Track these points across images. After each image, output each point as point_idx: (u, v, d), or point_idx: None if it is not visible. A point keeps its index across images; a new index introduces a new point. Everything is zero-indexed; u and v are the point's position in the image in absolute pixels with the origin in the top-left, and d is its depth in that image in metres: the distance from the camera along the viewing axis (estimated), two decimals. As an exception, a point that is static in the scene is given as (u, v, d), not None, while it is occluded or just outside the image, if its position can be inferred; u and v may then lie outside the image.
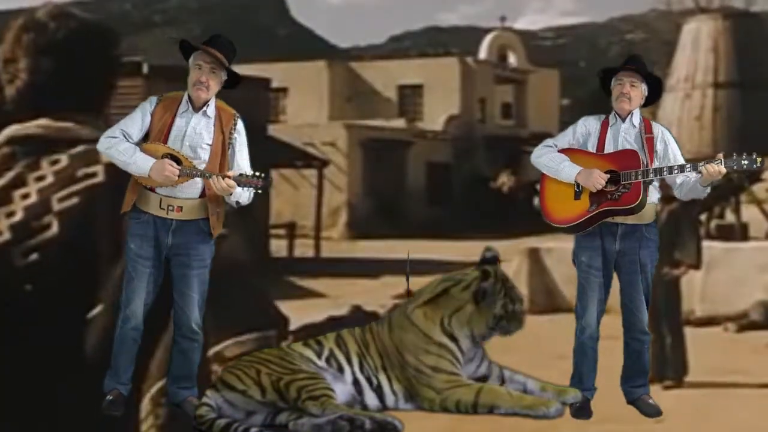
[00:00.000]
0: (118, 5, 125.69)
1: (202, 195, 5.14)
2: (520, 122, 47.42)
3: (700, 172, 5.14)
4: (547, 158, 5.35)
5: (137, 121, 5.09)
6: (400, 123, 40.84)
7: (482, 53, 48.43)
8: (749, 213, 24.59)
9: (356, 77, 44.44)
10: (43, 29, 6.50)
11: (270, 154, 27.64)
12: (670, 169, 5.21)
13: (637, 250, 5.35)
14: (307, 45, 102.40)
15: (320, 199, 29.65)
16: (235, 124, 5.21)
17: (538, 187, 5.52)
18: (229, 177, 4.96)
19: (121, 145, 5.02)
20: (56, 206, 5.84)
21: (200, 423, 4.94)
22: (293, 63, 44.16)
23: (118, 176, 5.24)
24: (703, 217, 20.80)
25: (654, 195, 5.37)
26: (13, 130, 6.23)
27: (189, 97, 5.16)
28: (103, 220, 5.34)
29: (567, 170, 5.27)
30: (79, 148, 5.37)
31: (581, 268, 5.41)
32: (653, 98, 5.50)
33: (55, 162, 6.05)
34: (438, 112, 42.32)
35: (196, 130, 5.13)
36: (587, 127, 5.44)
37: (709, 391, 11.77)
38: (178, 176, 4.99)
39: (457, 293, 5.31)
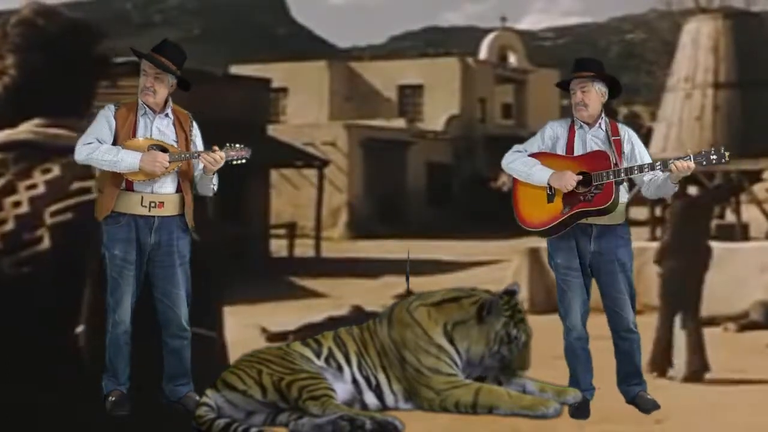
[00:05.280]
0: (118, 5, 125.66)
1: (178, 190, 5.23)
2: (521, 122, 47.42)
3: (669, 170, 5.15)
4: (518, 163, 5.37)
5: (105, 127, 5.17)
6: (400, 123, 40.85)
7: (482, 53, 48.45)
8: (749, 213, 24.61)
9: (356, 77, 44.45)
10: (32, 26, 6.46)
11: (270, 154, 27.65)
12: (641, 168, 5.23)
13: (614, 250, 5.35)
14: (306, 45, 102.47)
15: (320, 199, 29.64)
16: (192, 122, 5.36)
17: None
18: (216, 150, 5.11)
19: (102, 147, 5.09)
20: (49, 220, 5.81)
21: (200, 423, 4.94)
22: (293, 63, 44.20)
23: None
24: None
25: (624, 196, 5.37)
26: (5, 135, 6.19)
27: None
28: (97, 238, 5.34)
29: (539, 174, 5.29)
30: (71, 158, 5.37)
31: (559, 270, 5.42)
32: (614, 93, 5.48)
33: (47, 171, 6.02)
34: (438, 112, 42.34)
35: (161, 130, 5.24)
36: (555, 131, 5.46)
37: (709, 390, 11.79)
38: (169, 162, 5.07)
39: (467, 305, 5.31)
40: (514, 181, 5.44)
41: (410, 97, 43.79)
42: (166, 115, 5.27)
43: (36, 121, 6.20)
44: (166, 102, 5.26)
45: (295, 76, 42.32)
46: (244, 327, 14.74)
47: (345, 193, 36.39)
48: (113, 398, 5.24)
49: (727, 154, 5.04)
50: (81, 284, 5.59)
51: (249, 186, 26.06)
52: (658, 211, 23.20)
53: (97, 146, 5.08)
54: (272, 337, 14.51)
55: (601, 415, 5.41)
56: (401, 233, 31.83)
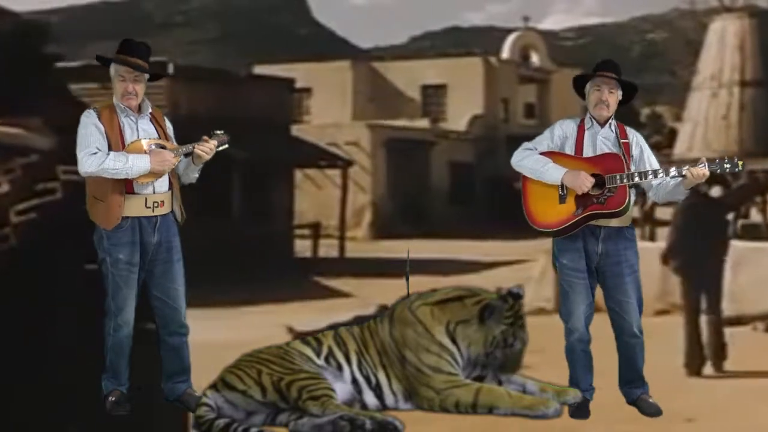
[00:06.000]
0: (142, 6, 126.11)
1: (170, 186, 5.28)
2: (543, 122, 47.23)
3: (684, 176, 5.14)
4: (530, 161, 5.31)
5: (98, 135, 5.15)
6: (423, 123, 40.84)
7: (505, 53, 48.35)
8: (775, 212, 24.45)
9: (379, 77, 44.46)
10: None
11: (294, 154, 27.71)
12: (655, 173, 5.21)
13: (622, 252, 5.32)
14: (327, 45, 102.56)
15: (344, 199, 29.66)
16: (164, 118, 5.40)
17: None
18: (206, 140, 5.18)
19: (110, 155, 5.08)
20: (14, 219, 5.85)
21: (200, 423, 4.95)
22: (316, 63, 44.22)
23: (76, 193, 5.26)
24: (730, 216, 20.74)
25: (631, 198, 5.34)
26: None
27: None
28: (61, 238, 5.35)
29: (552, 172, 5.24)
30: (32, 158, 5.37)
31: (563, 270, 5.37)
32: (624, 102, 5.49)
33: (10, 171, 6.05)
34: (461, 112, 42.29)
35: (144, 129, 5.25)
36: (564, 129, 5.44)
37: (737, 389, 11.73)
38: (174, 157, 5.13)
39: (470, 304, 5.30)
40: (523, 179, 5.38)
41: (433, 97, 43.76)
42: (147, 114, 5.28)
43: None
44: (141, 100, 5.28)
45: (318, 76, 42.37)
46: (271, 326, 14.76)
47: (369, 193, 36.40)
48: (113, 398, 5.25)
49: (740, 163, 5.02)
50: (46, 281, 5.62)
51: (273, 186, 26.12)
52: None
53: (104, 155, 5.06)
54: (299, 336, 14.50)
55: (602, 415, 5.38)
56: (425, 233, 31.79)
